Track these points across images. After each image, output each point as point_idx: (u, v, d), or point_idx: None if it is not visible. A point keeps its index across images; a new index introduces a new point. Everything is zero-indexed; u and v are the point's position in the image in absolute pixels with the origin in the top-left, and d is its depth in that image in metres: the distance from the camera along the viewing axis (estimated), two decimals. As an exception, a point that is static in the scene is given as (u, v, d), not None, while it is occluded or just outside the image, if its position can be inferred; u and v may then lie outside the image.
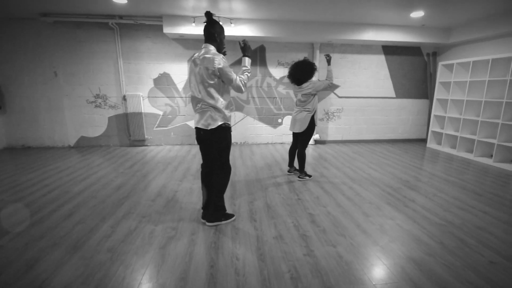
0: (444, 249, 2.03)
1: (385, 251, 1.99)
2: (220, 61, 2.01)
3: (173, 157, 4.60)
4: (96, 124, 5.32)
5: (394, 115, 6.09)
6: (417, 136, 6.29)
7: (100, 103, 5.24)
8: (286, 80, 5.50)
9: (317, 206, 2.73)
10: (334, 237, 2.17)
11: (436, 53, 5.85)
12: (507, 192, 3.20)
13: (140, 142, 5.46)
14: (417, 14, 4.31)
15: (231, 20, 4.60)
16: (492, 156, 4.42)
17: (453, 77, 5.08)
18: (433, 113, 5.54)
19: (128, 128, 5.36)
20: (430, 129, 5.64)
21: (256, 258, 1.88)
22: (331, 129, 5.97)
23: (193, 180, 3.46)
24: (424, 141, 6.22)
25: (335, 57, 5.60)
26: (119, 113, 5.31)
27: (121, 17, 4.72)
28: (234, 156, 4.73)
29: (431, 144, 5.68)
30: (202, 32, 4.71)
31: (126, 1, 3.86)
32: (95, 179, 3.49)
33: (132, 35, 5.02)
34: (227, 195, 2.87)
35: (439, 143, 5.57)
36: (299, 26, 4.90)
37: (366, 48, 5.67)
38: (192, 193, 3.03)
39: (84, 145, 5.37)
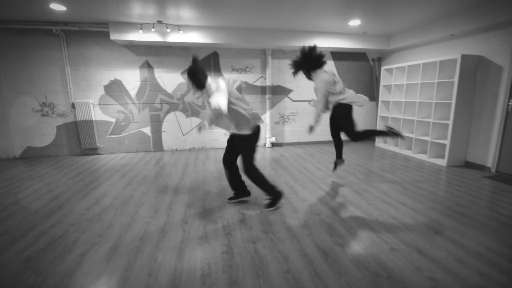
0: (354, 239, 2.22)
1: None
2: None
3: (124, 165, 4.54)
4: (44, 133, 5.12)
5: (346, 117, 6.42)
6: (368, 136, 6.67)
7: (47, 111, 5.05)
8: (244, 85, 5.64)
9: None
10: (257, 233, 2.30)
11: (380, 58, 6.29)
12: (430, 184, 3.52)
13: (92, 150, 5.32)
14: (354, 22, 4.64)
15: (179, 27, 4.66)
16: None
17: (393, 80, 5.50)
18: (378, 114, 5.94)
19: (78, 137, 5.21)
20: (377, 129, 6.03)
21: (175, 258, 1.95)
22: (287, 132, 6.19)
23: (136, 186, 3.46)
24: (374, 141, 6.62)
25: (285, 63, 5.84)
26: (68, 121, 5.15)
27: (65, 23, 4.62)
28: (188, 162, 4.77)
29: (379, 143, 6.07)
30: (150, 39, 4.80)
31: (65, 9, 3.81)
32: (32, 190, 3.37)
33: (79, 41, 4.92)
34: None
35: (385, 142, 5.97)
36: (250, 33, 5.07)
37: (316, 54, 5.96)
38: (131, 199, 3.04)
39: (32, 156, 5.14)
